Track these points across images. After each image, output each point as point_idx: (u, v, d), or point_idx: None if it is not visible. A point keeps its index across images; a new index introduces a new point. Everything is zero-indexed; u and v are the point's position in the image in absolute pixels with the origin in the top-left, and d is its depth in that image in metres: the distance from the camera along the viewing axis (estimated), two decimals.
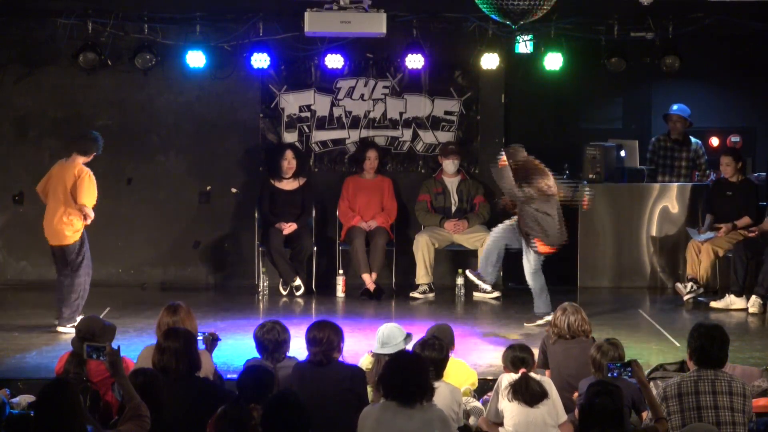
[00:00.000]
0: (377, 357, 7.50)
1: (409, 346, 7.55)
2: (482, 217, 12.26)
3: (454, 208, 12.27)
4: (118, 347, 6.43)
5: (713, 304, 11.42)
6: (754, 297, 11.21)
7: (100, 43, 12.04)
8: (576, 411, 6.91)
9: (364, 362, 7.72)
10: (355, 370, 7.23)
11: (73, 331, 10.36)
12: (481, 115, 12.80)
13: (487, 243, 10.96)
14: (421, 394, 6.06)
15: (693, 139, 12.93)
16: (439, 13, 12.17)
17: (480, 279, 10.92)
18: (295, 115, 12.74)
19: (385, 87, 12.74)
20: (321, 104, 12.73)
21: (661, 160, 12.89)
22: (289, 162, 12.23)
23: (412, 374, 6.07)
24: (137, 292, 12.36)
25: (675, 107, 12.84)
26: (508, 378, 7.20)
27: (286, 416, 5.72)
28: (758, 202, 11.87)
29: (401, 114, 12.78)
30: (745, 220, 11.68)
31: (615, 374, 6.70)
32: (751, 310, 11.17)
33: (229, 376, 8.12)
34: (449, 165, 12.27)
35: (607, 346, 7.32)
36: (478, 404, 7.69)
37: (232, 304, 11.59)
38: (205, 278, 12.76)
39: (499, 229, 10.85)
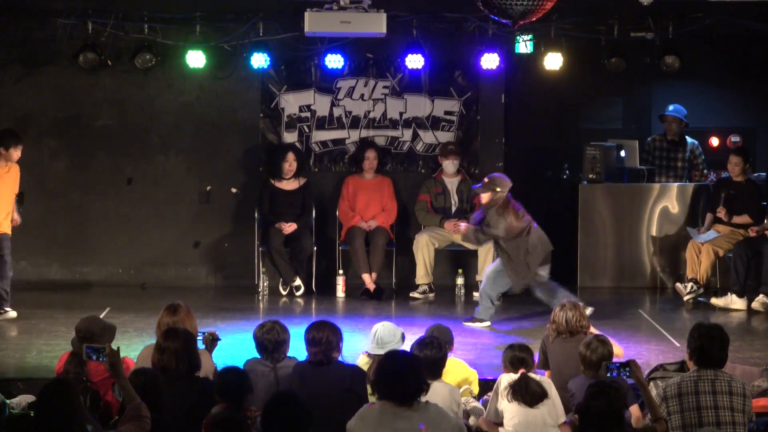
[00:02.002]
0: (375, 357, 7.49)
1: (406, 345, 7.55)
2: None
3: (454, 209, 12.27)
4: (118, 348, 6.43)
5: (714, 300, 11.44)
6: (762, 296, 11.24)
7: (100, 43, 12.04)
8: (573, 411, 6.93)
9: (360, 363, 7.71)
10: (355, 370, 7.23)
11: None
12: (481, 115, 12.80)
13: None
14: (416, 392, 6.05)
15: (689, 139, 12.93)
16: (439, 13, 12.16)
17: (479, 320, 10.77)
18: (295, 115, 12.74)
19: (385, 87, 12.74)
20: (321, 104, 12.73)
21: (657, 160, 12.90)
22: (290, 164, 12.24)
23: (407, 373, 6.06)
24: (137, 292, 12.36)
25: (671, 108, 12.85)
26: (507, 378, 7.20)
27: (286, 416, 5.71)
28: (761, 202, 11.87)
29: (401, 114, 12.78)
30: (744, 218, 11.68)
31: (614, 374, 6.71)
32: (755, 306, 11.20)
33: None
34: (449, 165, 12.27)
35: (596, 342, 7.33)
36: (478, 404, 7.69)
37: (232, 304, 11.59)
38: (205, 278, 12.76)
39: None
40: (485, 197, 10.51)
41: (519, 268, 10.45)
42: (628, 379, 6.79)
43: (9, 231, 10.84)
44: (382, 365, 6.16)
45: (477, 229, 10.62)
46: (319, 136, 12.79)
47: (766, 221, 11.71)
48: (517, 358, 7.36)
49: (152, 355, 6.95)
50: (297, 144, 12.69)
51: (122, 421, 6.08)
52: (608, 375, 6.73)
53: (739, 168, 11.79)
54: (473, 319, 10.64)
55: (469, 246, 12.10)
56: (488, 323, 10.59)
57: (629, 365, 6.71)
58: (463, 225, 11.33)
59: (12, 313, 10.70)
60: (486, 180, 10.60)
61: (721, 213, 11.72)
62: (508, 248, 10.48)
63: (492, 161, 12.77)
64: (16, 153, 10.75)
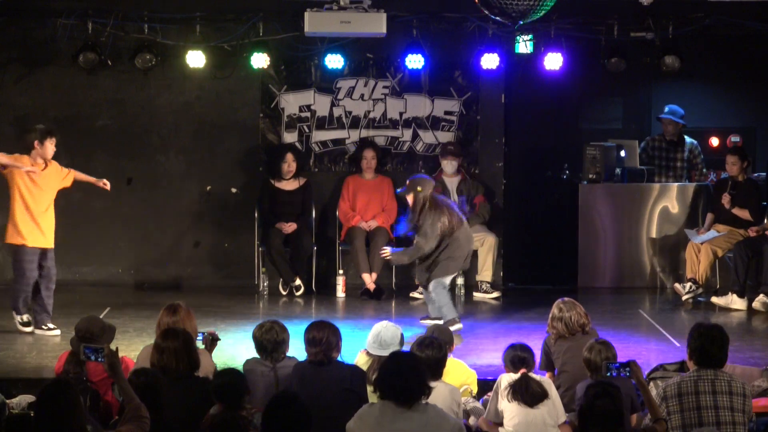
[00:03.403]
0: (375, 356, 7.48)
1: (406, 346, 7.54)
2: (482, 217, 12.26)
3: None
4: (117, 348, 6.42)
5: (714, 299, 11.45)
6: (762, 295, 11.24)
7: (100, 43, 12.05)
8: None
9: (359, 361, 7.71)
10: (355, 369, 7.22)
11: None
12: (481, 115, 12.80)
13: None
14: (419, 393, 6.06)
15: (688, 139, 12.93)
16: (439, 13, 12.17)
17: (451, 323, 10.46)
18: (295, 115, 12.74)
19: (385, 87, 12.74)
20: (321, 104, 12.73)
21: (656, 161, 12.89)
22: (289, 165, 12.24)
23: (410, 374, 6.07)
24: (137, 292, 12.36)
25: (666, 110, 12.85)
26: (507, 378, 7.20)
27: (286, 416, 5.71)
28: (760, 202, 11.86)
29: (401, 114, 12.78)
30: (745, 213, 11.66)
31: (614, 374, 6.71)
32: (755, 306, 11.20)
33: None
34: (448, 165, 12.26)
35: (599, 346, 7.32)
36: (478, 404, 7.69)
37: (232, 304, 11.59)
38: (205, 278, 12.75)
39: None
40: (409, 199, 10.21)
41: (433, 264, 10.15)
42: (629, 379, 6.79)
43: (47, 244, 10.37)
44: (385, 365, 6.17)
45: (404, 249, 10.28)
46: (319, 136, 12.79)
47: (766, 221, 11.70)
48: (518, 357, 7.37)
49: (151, 356, 6.93)
50: (297, 144, 12.69)
51: (122, 421, 6.07)
52: (608, 375, 6.74)
53: (737, 167, 11.77)
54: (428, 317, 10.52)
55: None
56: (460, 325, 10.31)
57: (629, 366, 6.72)
58: (387, 250, 10.55)
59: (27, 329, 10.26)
60: (408, 182, 10.32)
61: (726, 199, 11.67)
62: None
63: (492, 161, 12.78)
64: (51, 146, 10.23)
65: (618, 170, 12.65)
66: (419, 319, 10.47)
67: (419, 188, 10.12)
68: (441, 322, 9.90)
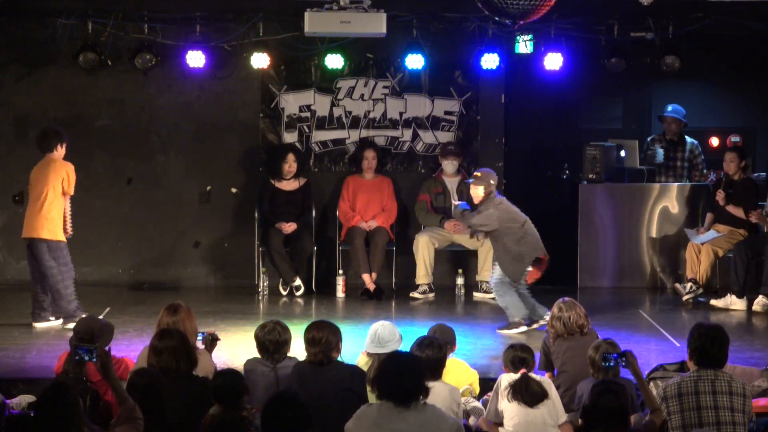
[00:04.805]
0: (375, 356, 7.49)
1: (405, 346, 7.55)
2: None
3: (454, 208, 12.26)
4: (109, 348, 6.41)
5: (713, 302, 11.44)
6: (761, 297, 11.24)
7: (100, 43, 12.05)
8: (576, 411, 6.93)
9: (360, 362, 7.72)
10: (354, 369, 7.23)
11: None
12: (481, 115, 12.80)
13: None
14: (417, 393, 6.06)
15: (689, 139, 12.93)
16: (439, 13, 12.18)
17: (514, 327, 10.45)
18: (295, 115, 12.75)
19: (385, 87, 12.75)
20: (321, 104, 12.73)
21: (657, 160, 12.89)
22: (290, 165, 12.25)
23: (408, 373, 6.07)
24: (137, 292, 12.36)
25: (669, 108, 12.84)
26: (507, 378, 7.20)
27: (286, 416, 5.71)
28: (757, 201, 11.85)
29: (401, 114, 12.78)
30: (740, 211, 11.63)
31: (611, 364, 6.74)
32: (755, 308, 11.19)
33: None
34: (448, 165, 12.27)
35: (606, 345, 7.33)
36: (478, 404, 7.69)
37: (232, 304, 11.59)
38: (205, 278, 12.76)
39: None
40: (481, 191, 10.32)
41: (515, 257, 10.32)
42: (624, 368, 6.81)
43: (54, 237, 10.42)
44: (384, 365, 6.17)
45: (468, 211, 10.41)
46: (319, 136, 12.79)
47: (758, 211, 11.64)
48: (518, 357, 7.37)
49: (148, 358, 6.91)
50: (297, 144, 12.69)
51: (116, 422, 6.06)
52: (604, 364, 6.76)
53: (734, 164, 11.76)
54: (509, 326, 10.46)
55: (469, 246, 12.12)
56: (524, 327, 10.34)
57: (626, 355, 6.75)
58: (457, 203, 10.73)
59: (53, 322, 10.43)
60: (478, 174, 10.43)
61: (720, 196, 11.66)
62: (503, 238, 10.34)
63: (492, 161, 12.76)
64: (62, 151, 10.50)
65: (644, 168, 12.66)
66: (497, 329, 10.39)
67: (492, 182, 10.29)
68: (523, 329, 10.26)
